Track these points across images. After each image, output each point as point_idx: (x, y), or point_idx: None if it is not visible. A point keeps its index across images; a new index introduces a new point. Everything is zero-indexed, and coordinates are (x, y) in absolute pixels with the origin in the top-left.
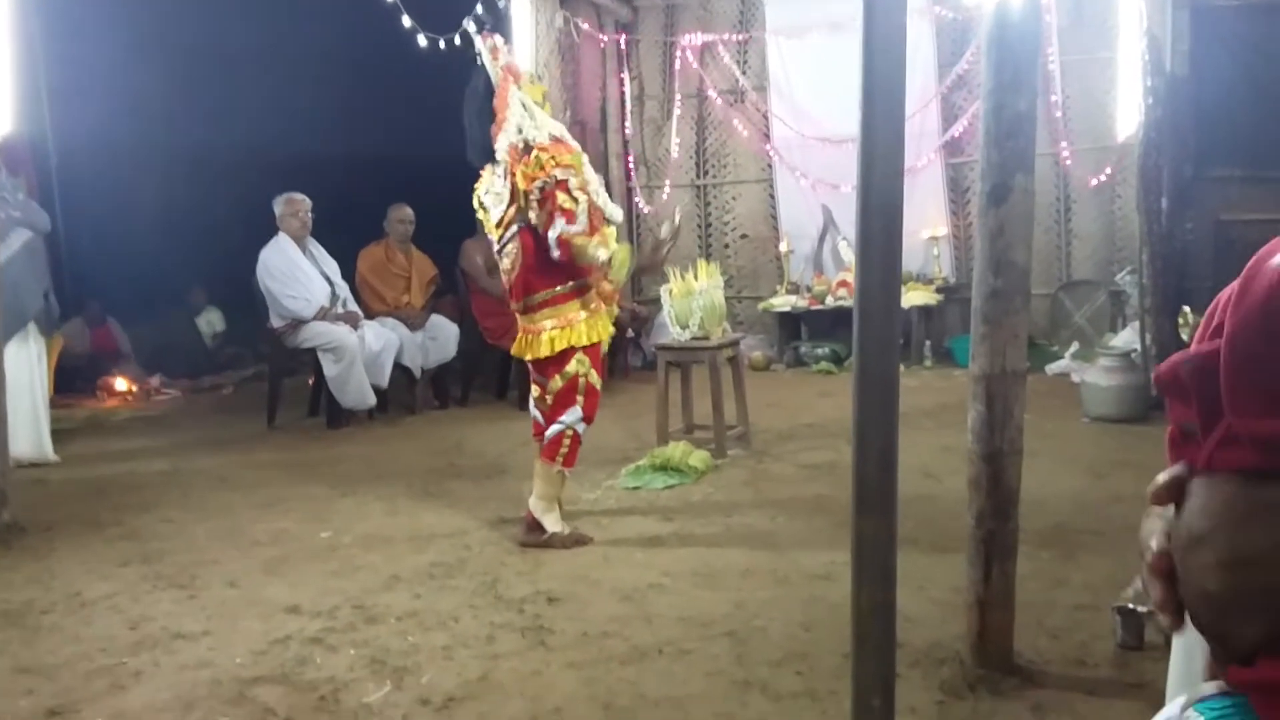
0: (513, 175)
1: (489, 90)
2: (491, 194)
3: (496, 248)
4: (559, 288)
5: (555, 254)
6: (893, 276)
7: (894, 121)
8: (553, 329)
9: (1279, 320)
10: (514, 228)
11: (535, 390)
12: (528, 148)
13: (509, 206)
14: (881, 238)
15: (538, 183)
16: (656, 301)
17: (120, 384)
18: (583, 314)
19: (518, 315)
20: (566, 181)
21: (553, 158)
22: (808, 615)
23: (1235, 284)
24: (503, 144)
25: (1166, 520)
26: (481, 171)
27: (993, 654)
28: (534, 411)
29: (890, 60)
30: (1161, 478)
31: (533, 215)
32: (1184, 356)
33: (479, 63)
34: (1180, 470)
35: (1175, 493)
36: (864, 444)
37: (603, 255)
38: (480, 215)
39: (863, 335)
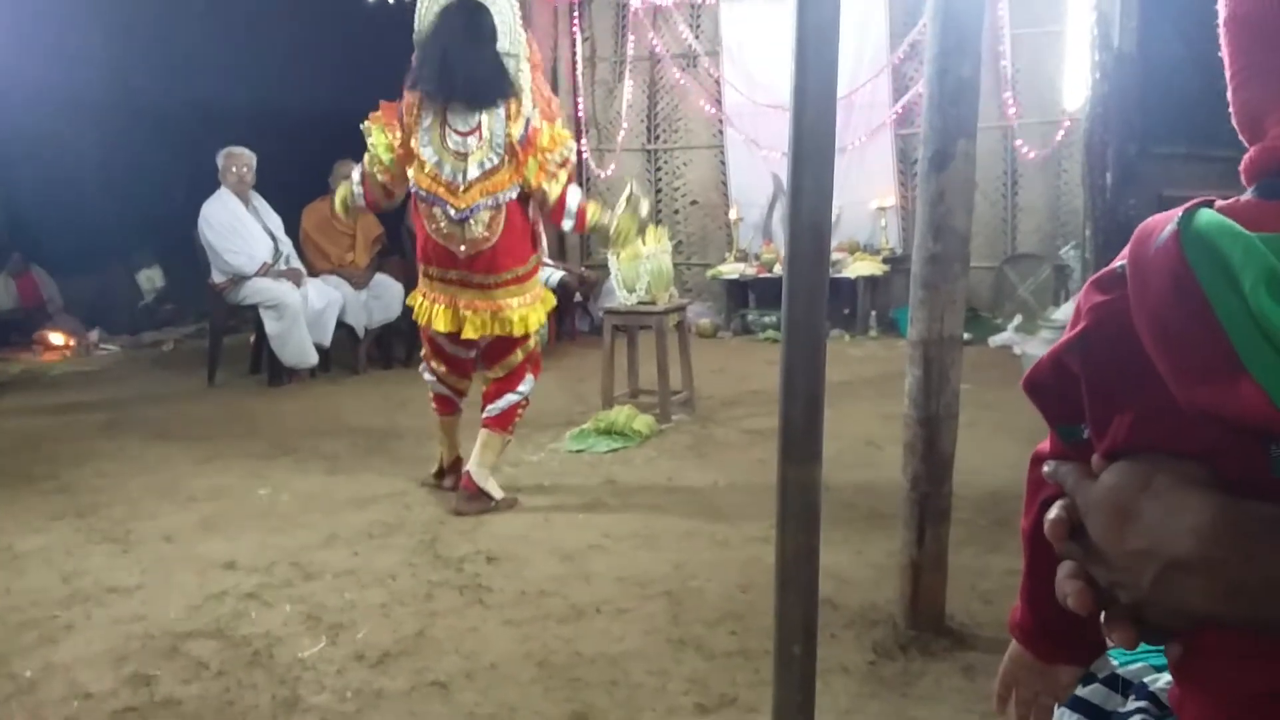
0: (531, 144)
1: (477, 28)
2: (453, 150)
3: (456, 213)
4: (529, 262)
5: (568, 225)
6: (821, 224)
7: (826, 71)
8: (521, 306)
9: (1182, 270)
10: (501, 195)
11: (440, 364)
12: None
13: (496, 172)
14: (811, 185)
15: (561, 150)
16: (604, 266)
17: (56, 338)
18: (540, 287)
19: (457, 286)
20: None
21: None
22: (745, 577)
23: (1085, 296)
24: (521, 123)
25: (1070, 495)
26: (418, 108)
27: (925, 616)
28: (440, 386)
29: (823, 12)
30: (1054, 513)
31: (547, 183)
32: (1062, 346)
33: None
34: (1072, 486)
35: (1072, 524)
36: (791, 390)
37: (606, 222)
38: (423, 166)
39: (791, 283)
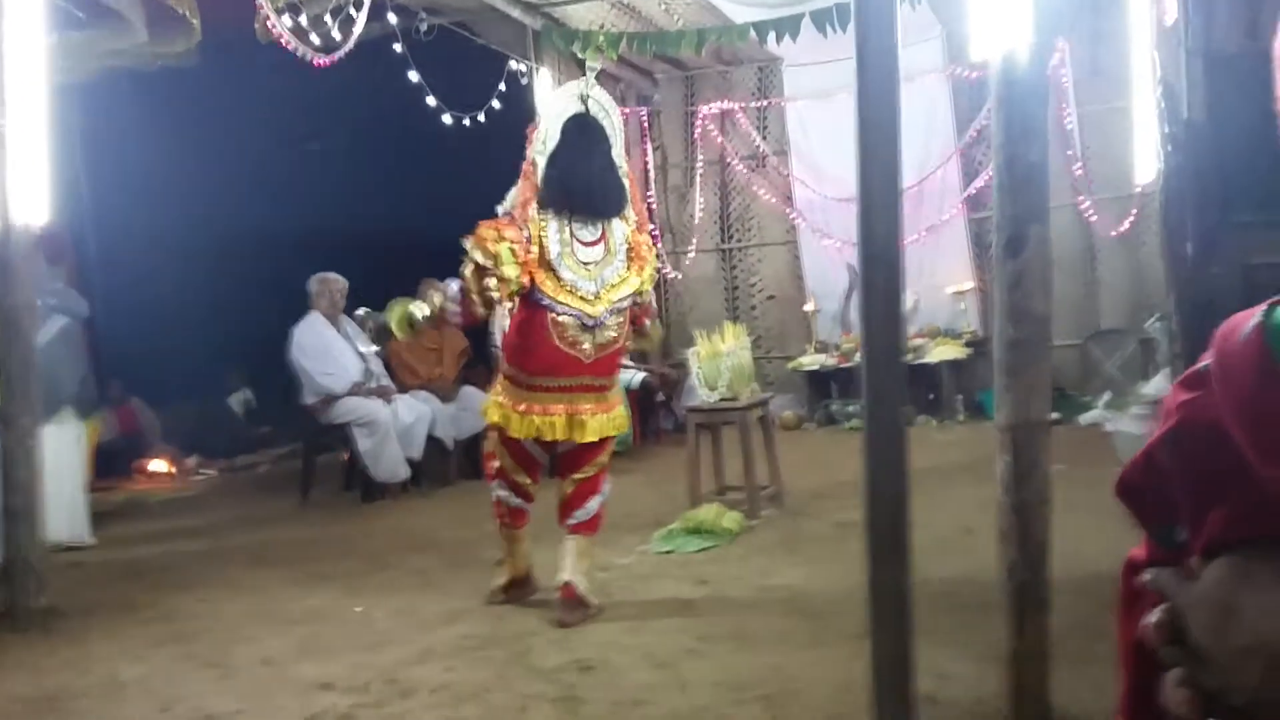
0: (641, 247)
1: (602, 139)
2: (582, 261)
3: (590, 320)
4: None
5: (648, 324)
6: (895, 324)
7: (889, 168)
8: (618, 404)
9: (1267, 362)
10: (626, 300)
11: (524, 476)
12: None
13: (624, 279)
14: (883, 287)
15: (654, 257)
16: (685, 365)
17: (157, 465)
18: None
19: (576, 393)
20: None
21: None
22: (846, 675)
23: (1172, 395)
24: (634, 230)
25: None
26: (527, 220)
27: (1031, 709)
28: (516, 499)
29: (884, 112)
30: (1155, 616)
31: (648, 289)
32: (1153, 444)
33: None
34: (1173, 590)
35: (1175, 627)
36: (875, 494)
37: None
38: (549, 278)
39: (870, 385)
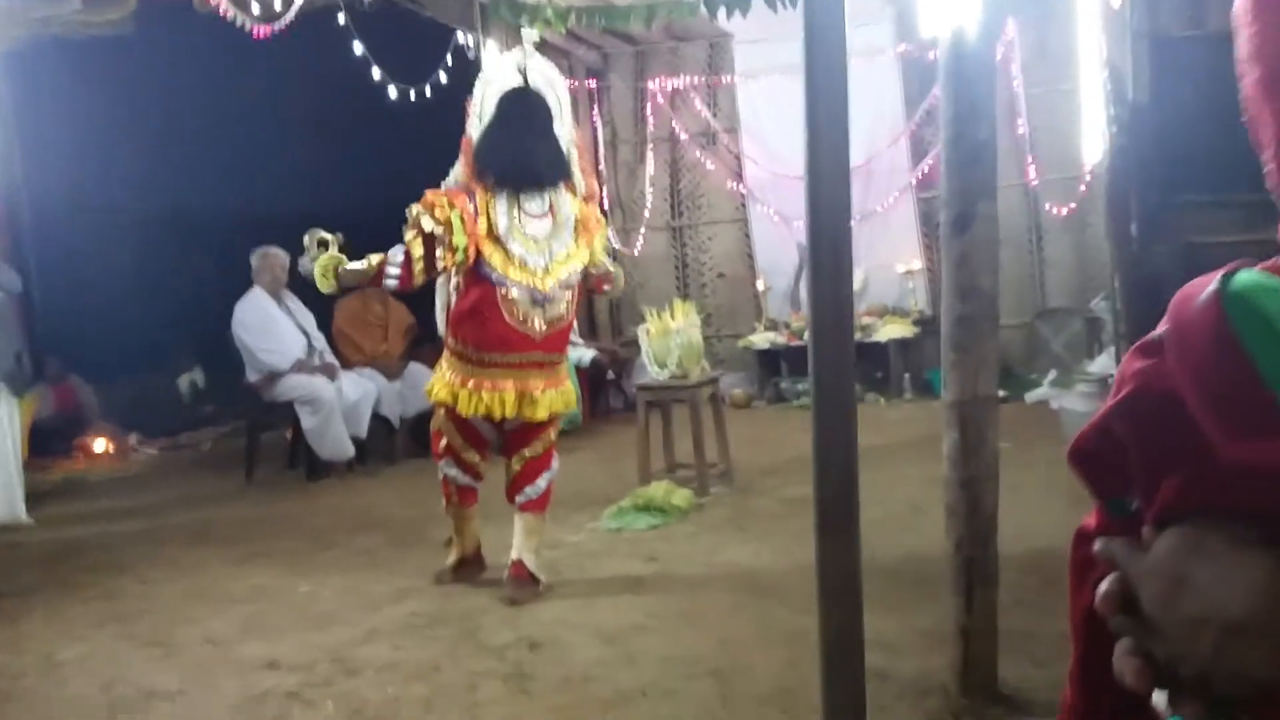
0: (589, 220)
1: (540, 111)
2: (531, 235)
3: (540, 295)
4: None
5: (607, 288)
6: (844, 295)
7: (838, 146)
8: (566, 380)
9: (1223, 329)
10: (575, 274)
11: (473, 453)
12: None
13: (572, 252)
14: (830, 256)
15: (604, 228)
16: (636, 343)
17: (98, 444)
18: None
19: (529, 369)
20: None
21: None
22: (793, 651)
23: (1127, 362)
24: (580, 203)
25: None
26: (482, 192)
27: (977, 683)
28: (465, 478)
29: (833, 89)
30: (1105, 586)
31: (601, 259)
32: (1107, 412)
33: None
34: (1124, 559)
35: (1125, 597)
36: (824, 466)
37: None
38: (498, 252)
39: (818, 356)
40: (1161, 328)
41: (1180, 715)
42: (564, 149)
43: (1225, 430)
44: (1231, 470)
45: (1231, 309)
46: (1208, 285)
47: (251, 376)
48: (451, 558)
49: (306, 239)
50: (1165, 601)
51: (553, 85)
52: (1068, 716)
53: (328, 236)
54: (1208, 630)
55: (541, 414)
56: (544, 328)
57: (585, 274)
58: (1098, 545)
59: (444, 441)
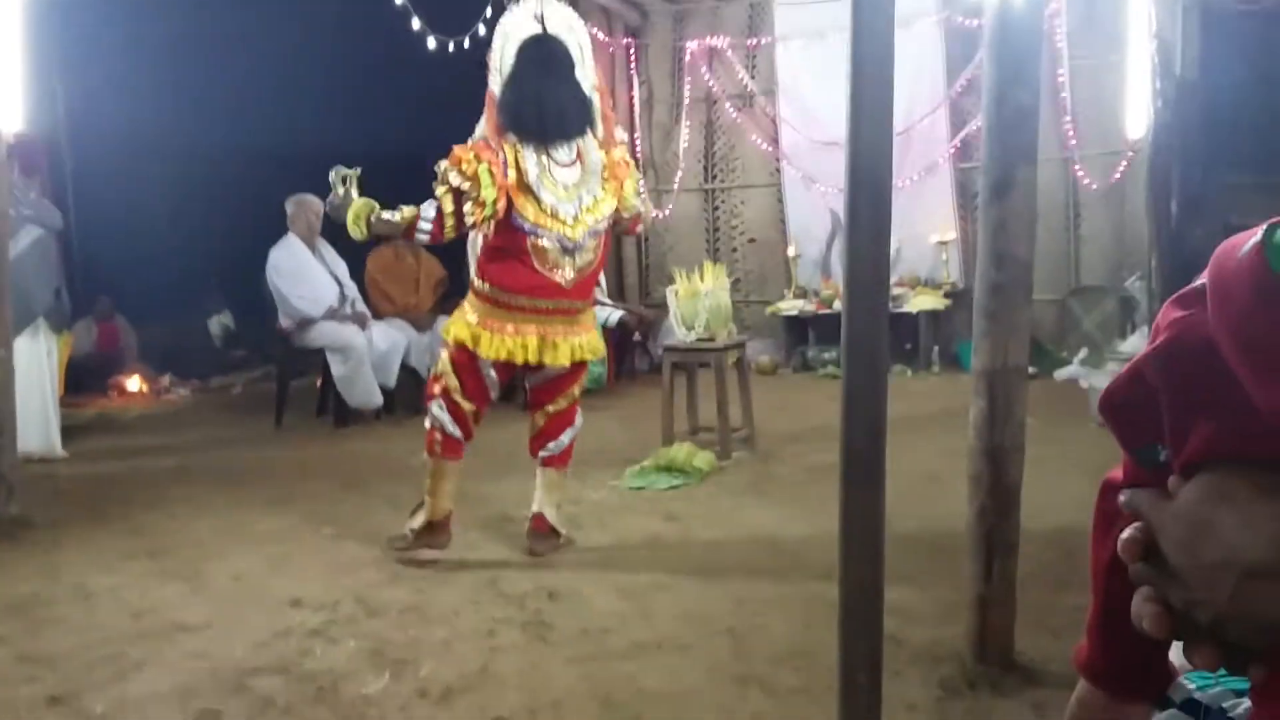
0: (617, 166)
1: (561, 57)
2: (561, 184)
3: (570, 243)
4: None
5: (640, 229)
6: (881, 251)
7: (881, 112)
8: (592, 329)
9: (1266, 279)
10: (604, 221)
11: (471, 402)
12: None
13: (601, 199)
14: (870, 211)
15: (634, 170)
16: (663, 305)
17: (132, 383)
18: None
19: (555, 316)
20: None
21: None
22: (808, 614)
23: (1164, 313)
24: (609, 149)
25: (1145, 514)
26: (504, 146)
27: (993, 652)
28: (456, 429)
29: (878, 53)
30: (1128, 533)
31: (638, 203)
32: (1141, 360)
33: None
34: (1148, 509)
35: (1146, 544)
36: (852, 415)
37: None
38: (530, 202)
39: (850, 307)
40: (1201, 279)
41: (1194, 662)
42: (587, 94)
43: (1263, 379)
44: (1267, 418)
45: (1275, 260)
46: (1250, 238)
47: (284, 322)
48: (418, 520)
49: (332, 175)
50: (1188, 546)
51: (572, 29)
52: (1085, 669)
53: (348, 172)
54: (1228, 574)
55: (563, 360)
56: (573, 275)
57: (616, 218)
58: (1123, 497)
59: (440, 385)
